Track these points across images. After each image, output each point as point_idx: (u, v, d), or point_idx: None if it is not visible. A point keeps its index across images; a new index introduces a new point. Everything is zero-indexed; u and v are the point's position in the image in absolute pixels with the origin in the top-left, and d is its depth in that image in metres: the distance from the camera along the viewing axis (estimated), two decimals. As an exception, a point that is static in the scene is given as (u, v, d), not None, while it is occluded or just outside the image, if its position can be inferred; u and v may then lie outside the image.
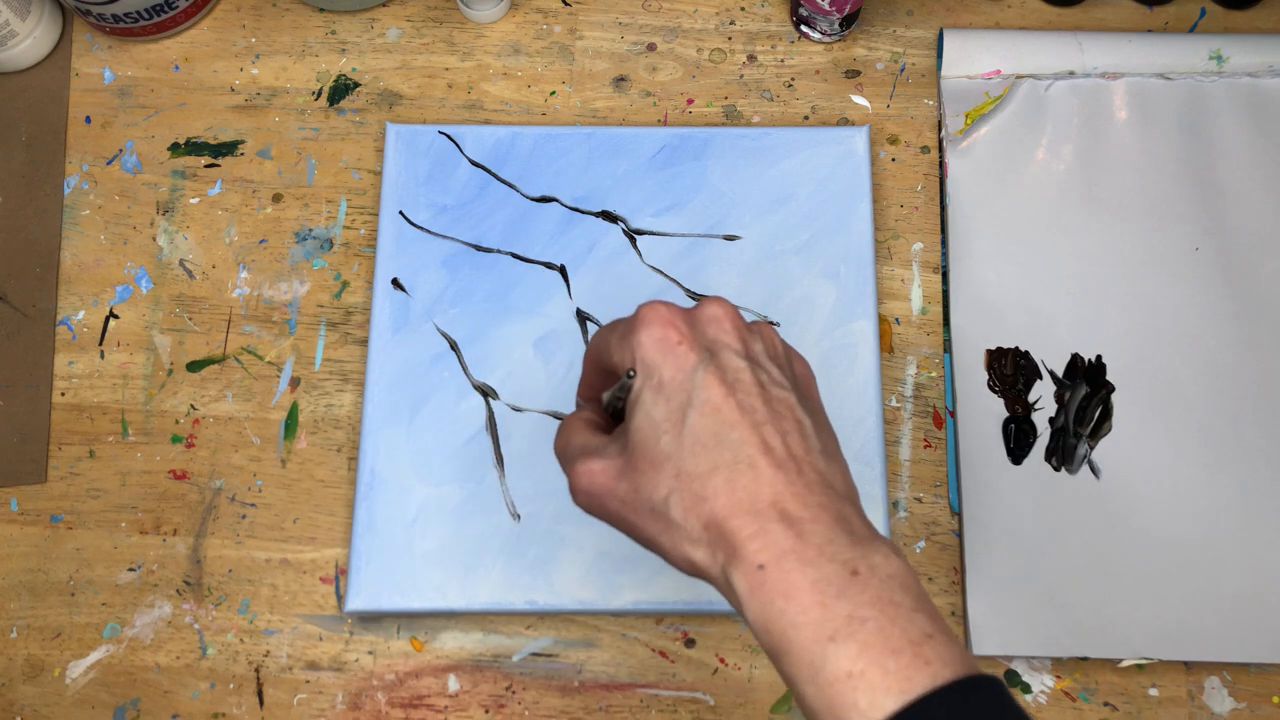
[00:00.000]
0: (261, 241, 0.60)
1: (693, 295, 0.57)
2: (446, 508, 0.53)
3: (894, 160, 0.60)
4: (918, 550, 0.54)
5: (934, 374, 0.57)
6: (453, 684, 0.53)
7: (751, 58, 0.63)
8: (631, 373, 0.35)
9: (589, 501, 0.37)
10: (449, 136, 0.60)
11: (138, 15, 0.60)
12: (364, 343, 0.58)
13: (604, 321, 0.56)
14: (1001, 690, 0.31)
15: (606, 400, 0.38)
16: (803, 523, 0.33)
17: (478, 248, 0.58)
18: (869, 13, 0.63)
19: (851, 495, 0.35)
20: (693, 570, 0.34)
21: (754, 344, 0.37)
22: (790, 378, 0.37)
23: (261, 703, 0.53)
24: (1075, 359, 0.56)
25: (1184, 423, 0.55)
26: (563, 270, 0.57)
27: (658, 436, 0.34)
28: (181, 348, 0.58)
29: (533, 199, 0.59)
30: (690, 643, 0.53)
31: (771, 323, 0.56)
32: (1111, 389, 0.56)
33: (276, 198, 0.60)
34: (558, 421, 0.55)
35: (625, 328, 0.37)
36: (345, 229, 0.60)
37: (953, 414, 0.56)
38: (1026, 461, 0.55)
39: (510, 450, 0.54)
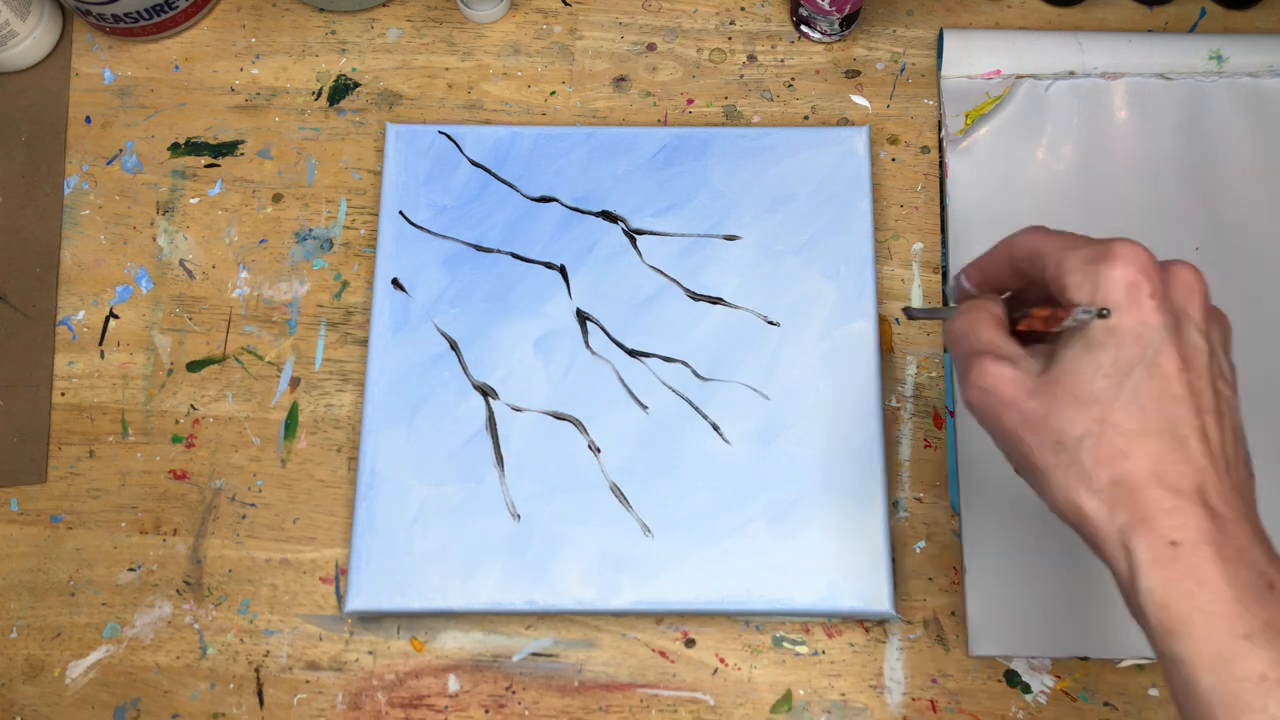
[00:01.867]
0: (261, 241, 0.60)
1: (694, 295, 0.56)
2: (446, 508, 0.53)
3: (894, 160, 0.60)
4: (918, 550, 0.54)
5: (934, 374, 0.57)
6: (453, 684, 0.53)
7: (751, 58, 0.63)
8: (1105, 311, 0.34)
9: (984, 401, 0.36)
10: (449, 136, 0.60)
11: (138, 15, 0.60)
12: (364, 343, 0.58)
13: (604, 322, 0.56)
14: None
15: (1043, 318, 0.37)
16: (1225, 520, 0.33)
17: (478, 248, 0.58)
18: (869, 13, 0.63)
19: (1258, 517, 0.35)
20: (1073, 514, 0.34)
21: (1214, 330, 0.36)
22: (1234, 380, 0.37)
23: (261, 703, 0.53)
24: (1075, 359, 0.56)
25: (1184, 423, 0.55)
26: (563, 270, 0.57)
27: (1094, 376, 0.34)
28: (181, 348, 0.58)
29: (533, 199, 0.59)
30: (690, 643, 0.53)
31: (771, 323, 0.56)
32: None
33: (276, 198, 0.60)
34: (558, 422, 0.55)
35: (1093, 253, 0.35)
36: (345, 229, 0.60)
37: (953, 414, 0.56)
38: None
39: (510, 450, 0.54)
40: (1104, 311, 0.34)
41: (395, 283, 0.57)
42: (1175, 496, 0.33)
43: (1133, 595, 0.33)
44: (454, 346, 0.56)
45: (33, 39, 0.62)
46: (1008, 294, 0.41)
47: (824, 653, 0.53)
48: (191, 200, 0.61)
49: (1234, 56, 0.60)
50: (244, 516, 0.55)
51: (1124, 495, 0.33)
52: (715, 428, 0.54)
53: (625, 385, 0.55)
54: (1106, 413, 0.34)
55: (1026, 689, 0.52)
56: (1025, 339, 0.38)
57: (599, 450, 0.54)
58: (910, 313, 0.46)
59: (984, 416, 0.37)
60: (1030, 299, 0.40)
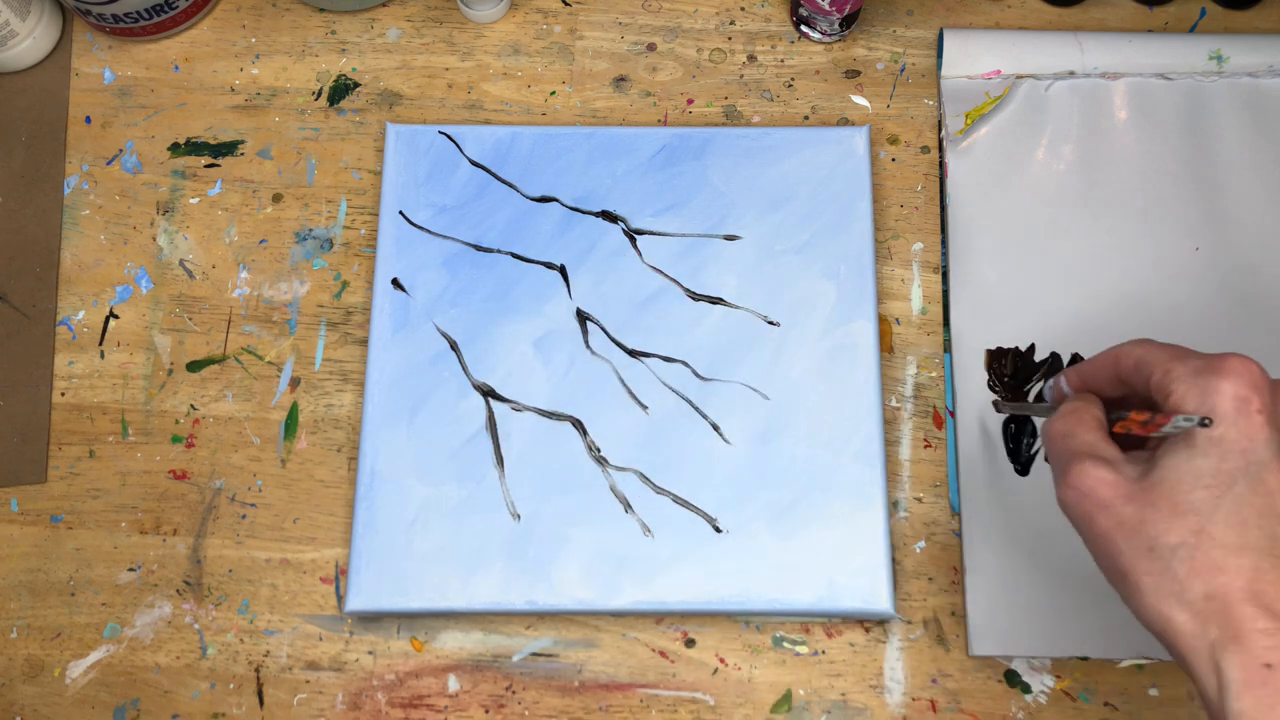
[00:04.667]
0: (261, 241, 0.60)
1: (694, 295, 0.56)
2: (446, 508, 0.53)
3: (894, 160, 0.60)
4: (918, 550, 0.54)
5: (934, 374, 0.57)
6: (453, 684, 0.53)
7: (751, 58, 0.63)
8: (1208, 421, 0.34)
9: (1079, 502, 0.36)
10: (449, 136, 0.60)
11: (138, 15, 0.60)
12: (364, 343, 0.58)
13: (604, 322, 0.56)
14: None
15: (1141, 421, 0.37)
16: None
17: (478, 248, 0.58)
18: (869, 13, 0.63)
19: None
20: (1160, 624, 0.34)
21: None
22: None
23: (261, 703, 0.53)
24: (1075, 359, 0.56)
25: (1184, 423, 0.55)
26: (563, 270, 0.57)
27: (1194, 486, 0.34)
28: (181, 348, 0.58)
29: (533, 199, 0.59)
30: (690, 643, 0.53)
31: (771, 323, 0.56)
32: (1111, 389, 0.56)
33: (276, 198, 0.60)
34: (558, 422, 0.55)
35: (1203, 365, 0.36)
36: (345, 229, 0.60)
37: (953, 414, 0.56)
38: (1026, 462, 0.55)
39: (510, 450, 0.54)
40: (1206, 421, 0.34)
41: (395, 283, 0.57)
42: (1271, 617, 0.32)
43: (1220, 714, 0.33)
44: (454, 346, 0.56)
45: (33, 39, 0.62)
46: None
47: (824, 653, 0.53)
48: (191, 200, 0.61)
49: (1234, 56, 0.60)
50: (244, 516, 0.55)
51: (1217, 610, 0.33)
52: (715, 428, 0.54)
53: (625, 385, 0.55)
54: (1204, 524, 0.33)
55: (1026, 689, 0.52)
56: (1119, 443, 0.39)
57: (601, 455, 0.54)
58: (1000, 407, 0.46)
59: (1078, 517, 0.37)
60: (1126, 407, 0.40)
